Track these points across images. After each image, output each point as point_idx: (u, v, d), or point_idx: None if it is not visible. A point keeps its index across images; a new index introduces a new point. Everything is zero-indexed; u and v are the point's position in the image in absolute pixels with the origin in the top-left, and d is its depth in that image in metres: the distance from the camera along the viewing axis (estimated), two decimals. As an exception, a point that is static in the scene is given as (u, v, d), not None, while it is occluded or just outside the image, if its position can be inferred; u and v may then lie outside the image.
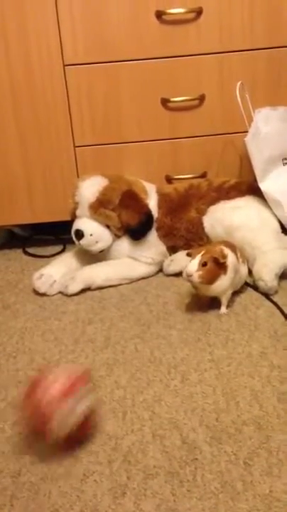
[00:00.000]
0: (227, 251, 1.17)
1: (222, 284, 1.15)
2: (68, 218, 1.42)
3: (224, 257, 1.14)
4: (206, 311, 1.21)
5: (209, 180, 1.44)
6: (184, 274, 1.14)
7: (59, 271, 1.36)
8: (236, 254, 1.19)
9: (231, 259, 1.16)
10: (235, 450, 0.83)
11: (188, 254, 1.17)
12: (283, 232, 1.37)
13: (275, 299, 1.23)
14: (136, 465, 0.82)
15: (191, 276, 1.12)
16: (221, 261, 1.13)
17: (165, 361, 1.06)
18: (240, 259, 1.21)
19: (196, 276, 1.12)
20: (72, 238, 1.37)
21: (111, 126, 1.43)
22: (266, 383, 0.97)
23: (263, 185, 1.35)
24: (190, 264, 1.13)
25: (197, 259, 1.13)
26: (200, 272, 1.12)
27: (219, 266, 1.13)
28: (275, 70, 1.39)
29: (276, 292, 1.25)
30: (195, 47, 1.36)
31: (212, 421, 0.90)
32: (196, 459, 0.82)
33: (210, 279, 1.13)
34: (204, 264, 1.12)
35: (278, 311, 1.19)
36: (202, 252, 1.13)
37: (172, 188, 1.44)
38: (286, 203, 1.35)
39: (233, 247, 1.21)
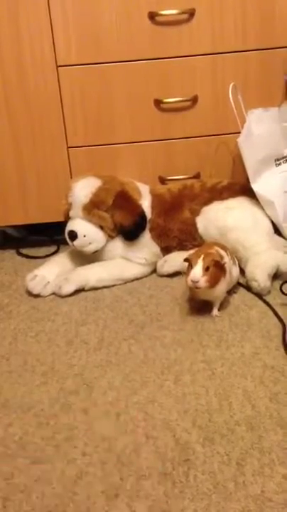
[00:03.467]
0: (222, 252, 1.17)
1: (222, 287, 1.16)
2: (62, 219, 1.42)
3: (222, 258, 1.14)
4: (199, 312, 1.21)
5: (203, 181, 1.44)
6: (189, 282, 1.13)
7: (52, 272, 1.36)
8: (227, 255, 1.20)
9: (226, 260, 1.17)
10: (227, 451, 0.84)
11: (186, 260, 1.16)
12: (275, 232, 1.37)
13: (268, 299, 1.24)
14: (129, 466, 0.82)
15: (197, 282, 1.11)
16: (222, 263, 1.13)
17: (158, 362, 1.06)
18: (231, 261, 1.21)
19: (203, 282, 1.11)
20: (65, 239, 1.37)
21: (105, 127, 1.43)
22: (259, 384, 0.98)
23: (255, 186, 1.36)
24: (193, 270, 1.12)
25: (200, 264, 1.12)
26: (206, 277, 1.12)
27: (219, 269, 1.14)
28: (267, 71, 1.40)
29: (269, 293, 1.26)
30: (188, 48, 1.36)
31: (205, 421, 0.90)
32: (189, 459, 0.83)
33: (214, 282, 1.13)
34: (206, 269, 1.12)
35: (271, 312, 1.20)
36: (202, 257, 1.13)
37: (165, 188, 1.44)
38: (279, 203, 1.36)
39: (225, 248, 1.21)
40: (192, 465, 0.82)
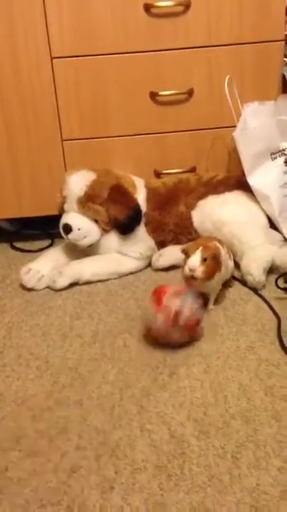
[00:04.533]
0: (219, 246, 1.17)
1: (217, 281, 1.15)
2: (56, 212, 1.41)
3: (220, 252, 1.14)
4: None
5: (198, 175, 1.43)
6: (186, 270, 1.11)
7: (47, 265, 1.35)
8: (223, 250, 1.19)
9: (223, 254, 1.16)
10: (223, 444, 0.84)
11: (183, 251, 1.16)
12: (271, 226, 1.37)
13: (263, 293, 1.24)
14: (124, 459, 0.82)
15: (194, 270, 1.10)
16: (220, 257, 1.13)
17: (153, 356, 1.05)
18: (226, 255, 1.21)
19: (199, 271, 1.10)
20: (60, 233, 1.36)
21: (99, 119, 1.42)
22: (254, 377, 0.98)
23: (251, 180, 1.35)
24: (191, 258, 1.11)
25: (198, 255, 1.11)
26: (203, 267, 1.11)
27: (216, 262, 1.13)
28: (263, 65, 1.39)
29: (264, 287, 1.26)
30: (184, 40, 1.35)
31: (200, 415, 0.90)
32: (184, 452, 0.83)
33: (210, 275, 1.12)
34: (204, 260, 1.12)
35: (265, 306, 1.19)
36: (201, 248, 1.12)
37: (160, 182, 1.43)
38: (274, 197, 1.36)
39: (220, 243, 1.21)
40: (187, 458, 0.82)
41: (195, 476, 0.78)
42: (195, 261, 1.10)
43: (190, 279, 1.12)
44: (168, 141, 1.45)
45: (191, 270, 1.10)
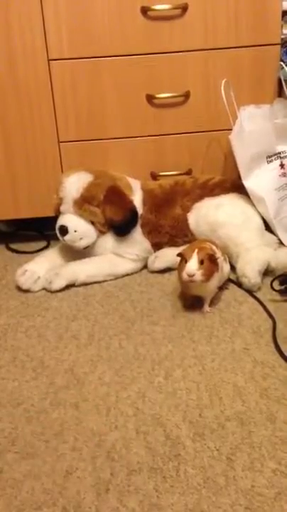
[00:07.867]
0: (214, 247, 1.18)
1: (215, 282, 1.16)
2: (52, 214, 1.41)
3: (215, 252, 1.15)
4: (190, 308, 1.21)
5: (194, 177, 1.44)
6: (184, 276, 1.12)
7: (43, 267, 1.35)
8: (218, 252, 1.20)
9: (219, 255, 1.17)
10: (218, 445, 0.84)
11: (179, 255, 1.16)
12: (266, 229, 1.38)
13: (258, 295, 1.24)
14: (120, 461, 0.82)
15: (193, 275, 1.11)
16: (217, 256, 1.13)
17: (149, 357, 1.06)
18: (222, 257, 1.22)
19: (199, 275, 1.11)
20: (56, 234, 1.36)
21: (96, 121, 1.43)
22: (249, 379, 0.98)
23: (247, 183, 1.36)
24: (189, 264, 1.11)
25: (195, 258, 1.12)
26: (201, 270, 1.11)
27: (213, 262, 1.14)
28: (259, 68, 1.40)
29: (259, 289, 1.26)
30: (180, 43, 1.36)
31: (196, 417, 0.90)
32: (179, 454, 0.83)
33: (209, 276, 1.13)
34: (201, 262, 1.12)
35: (261, 308, 1.20)
36: (196, 251, 1.12)
37: (157, 184, 1.44)
38: (270, 200, 1.36)
39: (215, 245, 1.21)
40: (183, 460, 0.82)
41: (190, 478, 0.79)
42: (193, 265, 1.11)
43: (188, 282, 1.13)
44: (165, 144, 1.46)
45: (190, 275, 1.11)
